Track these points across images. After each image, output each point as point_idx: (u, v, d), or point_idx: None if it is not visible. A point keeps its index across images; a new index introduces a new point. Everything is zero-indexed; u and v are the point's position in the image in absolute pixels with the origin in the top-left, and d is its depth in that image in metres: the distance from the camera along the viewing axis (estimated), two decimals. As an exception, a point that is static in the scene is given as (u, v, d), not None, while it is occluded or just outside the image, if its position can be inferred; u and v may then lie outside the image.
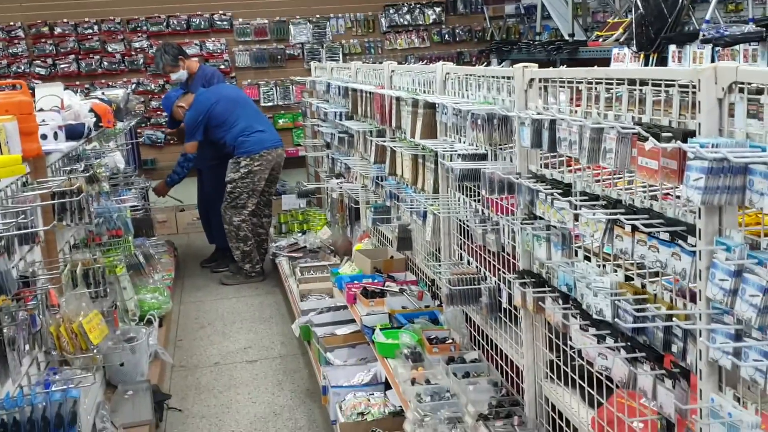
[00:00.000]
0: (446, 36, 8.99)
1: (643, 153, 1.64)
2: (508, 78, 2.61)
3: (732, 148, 1.39)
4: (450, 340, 3.24)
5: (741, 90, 1.45)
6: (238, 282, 6.37)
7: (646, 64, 4.90)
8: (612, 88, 1.94)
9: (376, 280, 4.10)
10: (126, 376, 4.12)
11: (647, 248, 1.70)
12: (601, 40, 5.80)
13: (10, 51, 8.19)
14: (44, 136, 3.38)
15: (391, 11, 8.90)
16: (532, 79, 2.43)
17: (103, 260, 3.63)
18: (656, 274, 1.78)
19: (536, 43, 6.86)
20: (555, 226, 2.23)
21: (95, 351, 3.18)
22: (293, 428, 3.91)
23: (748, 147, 1.39)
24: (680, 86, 1.63)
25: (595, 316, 1.95)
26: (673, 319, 1.63)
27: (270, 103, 8.69)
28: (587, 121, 1.92)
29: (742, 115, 1.44)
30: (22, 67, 8.22)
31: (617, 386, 1.96)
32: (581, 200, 2.01)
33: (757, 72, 1.43)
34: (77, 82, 8.15)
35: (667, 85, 1.69)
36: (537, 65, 2.47)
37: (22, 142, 2.95)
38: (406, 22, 8.93)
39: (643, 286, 1.84)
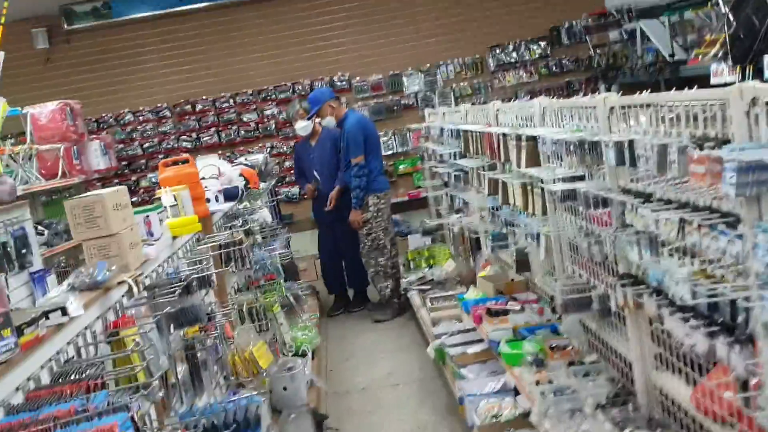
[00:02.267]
0: (553, 68, 9.34)
1: (694, 161, 2.01)
2: (594, 107, 3.00)
3: (756, 150, 1.75)
4: (570, 347, 3.59)
5: (766, 104, 1.81)
6: (389, 318, 6.84)
7: (743, 77, 5.09)
8: (673, 109, 2.32)
9: (499, 301, 4.49)
10: (288, 401, 4.69)
11: (710, 239, 2.05)
12: (700, 57, 6.01)
13: (160, 130, 9.24)
14: (208, 200, 4.05)
15: (497, 51, 9.36)
16: (612, 107, 2.82)
17: (262, 300, 4.24)
18: (720, 259, 2.12)
19: (639, 66, 7.11)
20: (642, 231, 2.59)
21: (264, 375, 3.75)
22: (437, 440, 4.34)
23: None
24: (720, 104, 1.99)
25: (678, 302, 2.29)
26: (735, 293, 1.97)
27: (390, 152, 9.29)
28: (654, 139, 2.30)
29: (764, 124, 1.80)
30: (171, 143, 9.24)
31: (708, 364, 2.29)
32: (658, 206, 2.38)
33: (772, 87, 1.79)
34: (219, 152, 9.09)
35: (711, 104, 2.06)
36: (639, 89, 2.84)
37: (194, 206, 3.62)
38: (513, 60, 9.36)
39: (713, 270, 2.18)
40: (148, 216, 2.88)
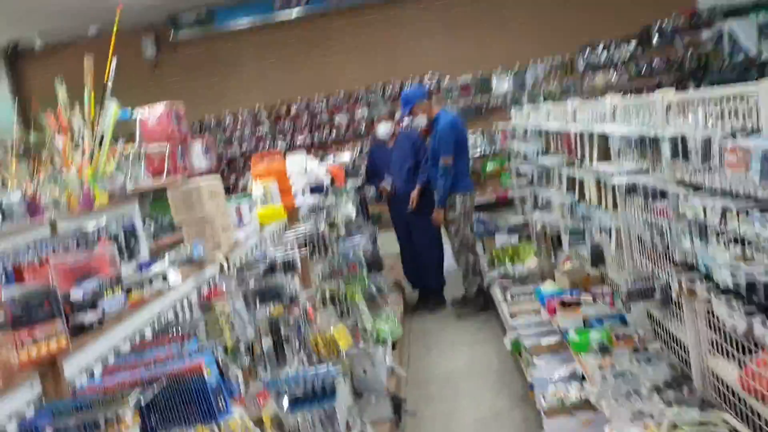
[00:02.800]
0: (643, 68, 9.30)
1: (728, 151, 2.16)
2: (653, 104, 3.14)
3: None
4: (635, 335, 3.72)
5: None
6: (473, 312, 7.05)
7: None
8: (718, 103, 2.46)
9: (573, 294, 4.64)
10: (368, 384, 4.98)
11: (747, 224, 2.19)
12: (787, 54, 5.95)
13: (257, 132, 9.75)
14: (295, 194, 4.39)
15: (587, 51, 9.40)
16: (669, 103, 2.96)
17: (344, 288, 4.53)
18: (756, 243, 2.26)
19: (727, 66, 7.06)
20: (693, 220, 2.73)
21: (344, 356, 4.04)
22: (510, 425, 4.52)
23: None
24: (753, 98, 2.14)
25: (722, 286, 2.43)
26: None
27: (478, 152, 9.48)
28: (700, 132, 2.44)
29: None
30: (267, 145, 9.74)
31: (752, 345, 2.42)
32: (705, 195, 2.52)
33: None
34: (312, 152, 9.53)
35: (747, 97, 2.20)
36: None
37: (281, 198, 3.95)
38: (602, 60, 9.38)
39: (751, 254, 2.31)
40: (239, 205, 3.22)
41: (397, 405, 4.91)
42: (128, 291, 1.90)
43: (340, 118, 9.65)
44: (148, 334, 2.05)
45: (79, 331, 1.69)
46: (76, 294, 1.73)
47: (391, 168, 7.40)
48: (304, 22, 9.56)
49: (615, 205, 3.94)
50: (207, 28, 9.43)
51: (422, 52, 9.60)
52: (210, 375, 1.62)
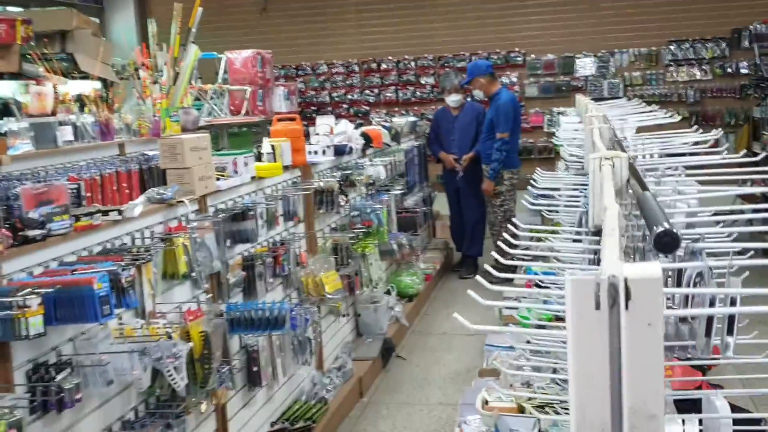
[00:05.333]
0: (729, 69, 9.20)
1: None
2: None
3: None
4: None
5: None
6: (503, 281, 7.51)
7: None
8: None
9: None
10: (369, 328, 5.63)
11: None
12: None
13: (347, 82, 10.38)
14: (315, 152, 4.99)
15: (673, 45, 9.38)
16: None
17: (347, 240, 5.12)
18: None
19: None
20: None
21: (329, 297, 4.67)
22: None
23: None
24: None
25: None
26: None
27: (552, 129, 9.72)
28: None
29: None
30: (355, 96, 10.36)
31: None
32: None
33: None
34: (396, 109, 10.09)
35: None
36: None
37: (293, 156, 4.57)
38: (689, 56, 9.33)
39: None
40: (235, 158, 3.86)
41: (387, 349, 5.55)
42: (77, 218, 2.58)
43: (426, 80, 10.11)
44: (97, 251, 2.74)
45: (26, 242, 2.39)
46: (32, 215, 2.43)
47: (455, 135, 7.86)
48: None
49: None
50: (313, -20, 10.09)
51: (513, 26, 9.84)
52: (100, 288, 2.28)
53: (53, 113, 5.17)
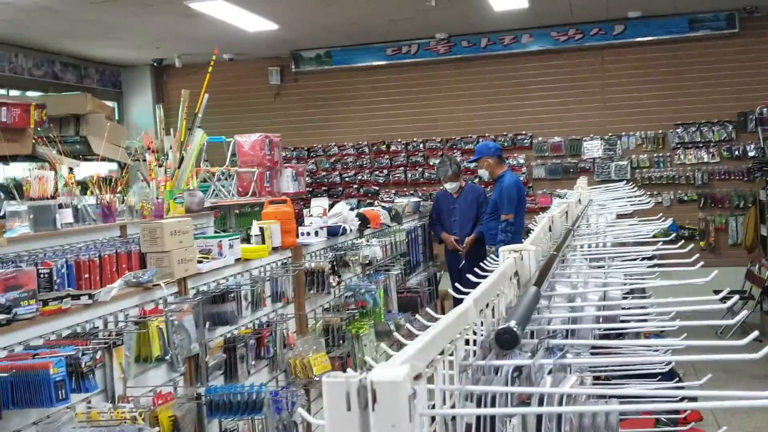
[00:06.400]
0: (736, 152, 9.24)
1: None
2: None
3: None
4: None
5: None
6: None
7: None
8: None
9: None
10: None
11: None
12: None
13: (357, 163, 10.56)
14: (308, 234, 5.07)
15: (680, 129, 9.46)
16: None
17: (339, 321, 5.14)
18: None
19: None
20: None
21: (317, 379, 4.66)
22: None
23: None
24: None
25: None
26: None
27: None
28: None
29: None
30: (365, 176, 10.52)
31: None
32: None
33: None
34: (404, 189, 10.21)
35: None
36: None
37: (282, 237, 4.64)
38: (695, 139, 9.40)
39: None
40: (221, 240, 3.94)
41: None
42: (44, 302, 2.65)
43: (434, 161, 10.26)
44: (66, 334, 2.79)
45: (-8, 326, 2.45)
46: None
47: (455, 216, 7.93)
48: (414, 67, 10.25)
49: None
50: (325, 65, 10.37)
51: (520, 109, 10.02)
52: (57, 372, 2.32)
53: (54, 196, 5.32)
